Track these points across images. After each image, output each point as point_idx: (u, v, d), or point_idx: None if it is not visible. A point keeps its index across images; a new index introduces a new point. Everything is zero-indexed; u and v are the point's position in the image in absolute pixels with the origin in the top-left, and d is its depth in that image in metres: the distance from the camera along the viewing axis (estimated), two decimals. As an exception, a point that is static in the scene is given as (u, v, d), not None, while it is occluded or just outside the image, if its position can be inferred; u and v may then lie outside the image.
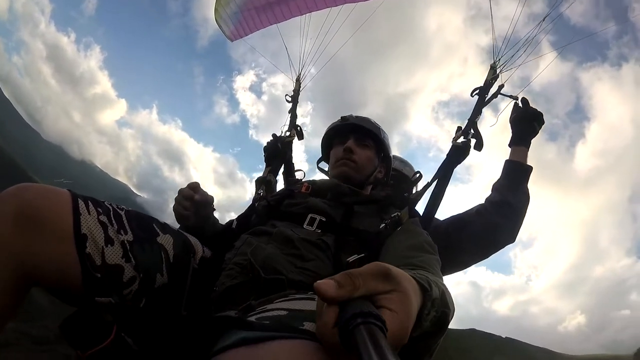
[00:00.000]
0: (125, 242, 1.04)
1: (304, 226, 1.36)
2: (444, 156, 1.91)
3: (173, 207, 1.51)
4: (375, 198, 1.61)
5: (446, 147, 1.95)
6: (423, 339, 0.78)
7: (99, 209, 1.04)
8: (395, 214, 1.40)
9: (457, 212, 2.04)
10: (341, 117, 1.91)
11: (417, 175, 2.06)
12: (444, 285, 0.89)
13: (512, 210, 1.87)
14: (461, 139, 1.86)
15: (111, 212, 1.07)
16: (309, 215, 1.40)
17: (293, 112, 2.45)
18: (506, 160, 2.00)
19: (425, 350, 0.86)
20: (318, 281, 0.57)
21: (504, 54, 2.10)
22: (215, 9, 2.76)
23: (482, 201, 1.96)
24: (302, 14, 2.56)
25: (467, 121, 1.96)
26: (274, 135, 2.22)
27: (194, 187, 1.48)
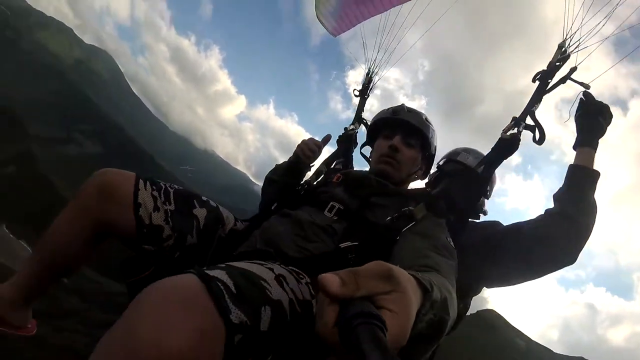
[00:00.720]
0: (168, 210, 1.39)
1: (325, 212, 1.48)
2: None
3: (297, 147, 1.91)
4: (397, 191, 1.62)
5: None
6: (417, 341, 0.78)
7: (154, 187, 1.40)
8: (407, 208, 1.41)
9: (521, 220, 1.87)
10: (392, 110, 1.92)
11: (483, 167, 1.79)
12: (448, 290, 0.89)
13: (572, 224, 1.62)
14: (512, 131, 1.69)
15: (162, 190, 1.42)
16: (330, 203, 1.50)
17: (359, 105, 2.51)
18: (569, 165, 1.75)
19: (417, 356, 0.87)
20: (323, 274, 0.57)
21: (577, 29, 1.79)
22: (316, 6, 2.82)
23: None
24: (402, 3, 2.44)
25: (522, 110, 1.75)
26: (345, 129, 2.33)
27: (319, 145, 1.91)
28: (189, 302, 0.69)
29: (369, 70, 2.58)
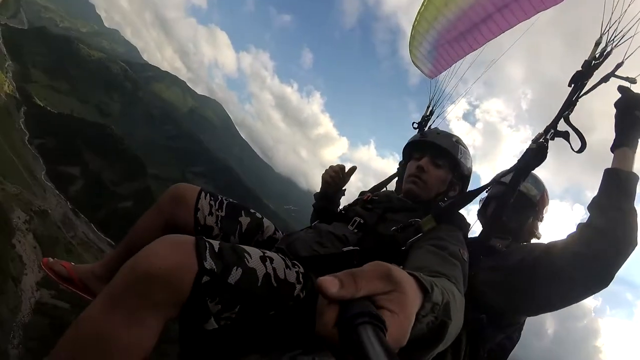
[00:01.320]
0: (219, 216, 1.74)
1: (349, 226, 1.70)
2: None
3: (323, 174, 2.09)
4: (412, 207, 1.75)
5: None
6: (417, 345, 0.79)
7: (212, 198, 1.76)
8: (413, 220, 1.52)
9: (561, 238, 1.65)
10: (421, 133, 2.02)
11: (539, 196, 1.77)
12: (453, 295, 0.90)
13: (600, 235, 1.41)
14: (540, 140, 1.60)
15: (218, 201, 1.77)
16: (354, 218, 1.72)
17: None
18: (604, 170, 1.56)
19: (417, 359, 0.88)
20: (322, 277, 0.58)
21: (617, 19, 1.61)
22: (410, 51, 2.91)
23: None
24: (495, 36, 2.46)
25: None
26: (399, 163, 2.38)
27: (342, 167, 2.03)
28: (179, 245, 1.05)
29: (430, 102, 2.57)
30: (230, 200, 1.84)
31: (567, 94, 1.65)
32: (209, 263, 1.05)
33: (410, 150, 2.02)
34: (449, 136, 1.91)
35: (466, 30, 2.54)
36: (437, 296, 0.77)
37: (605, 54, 1.65)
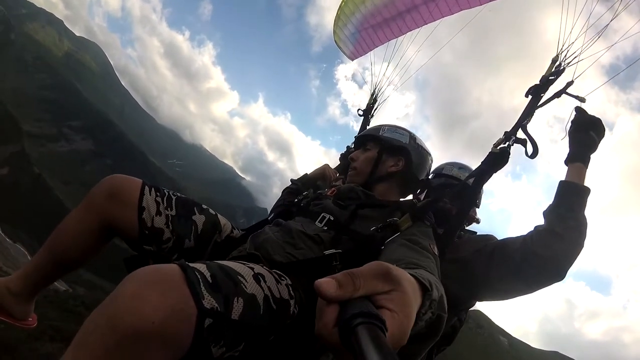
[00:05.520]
0: (169, 215, 1.51)
1: (316, 223, 1.57)
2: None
3: (327, 168, 2.22)
4: (382, 203, 1.68)
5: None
6: (416, 340, 0.79)
7: (158, 193, 1.52)
8: (391, 219, 1.48)
9: (513, 235, 1.85)
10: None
11: (472, 179, 1.85)
12: (442, 289, 0.91)
13: (559, 241, 1.61)
14: (502, 146, 1.68)
15: (165, 196, 1.54)
16: (322, 214, 1.59)
17: (362, 125, 2.61)
18: (560, 182, 1.72)
19: (414, 355, 0.90)
20: (319, 279, 0.57)
21: (573, 41, 1.75)
22: (334, 31, 2.93)
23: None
24: (418, 27, 2.53)
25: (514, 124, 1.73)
26: (347, 147, 2.46)
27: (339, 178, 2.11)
28: (166, 283, 0.81)
29: (373, 90, 2.63)
30: (179, 194, 1.63)
31: (525, 105, 1.77)
32: (208, 301, 0.84)
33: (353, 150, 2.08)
34: (372, 127, 1.98)
35: (391, 18, 2.61)
36: (435, 293, 0.78)
37: (559, 71, 1.76)
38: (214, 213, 1.69)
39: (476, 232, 2.20)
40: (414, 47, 2.60)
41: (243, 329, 0.91)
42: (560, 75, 1.76)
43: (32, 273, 1.47)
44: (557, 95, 1.77)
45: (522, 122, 1.73)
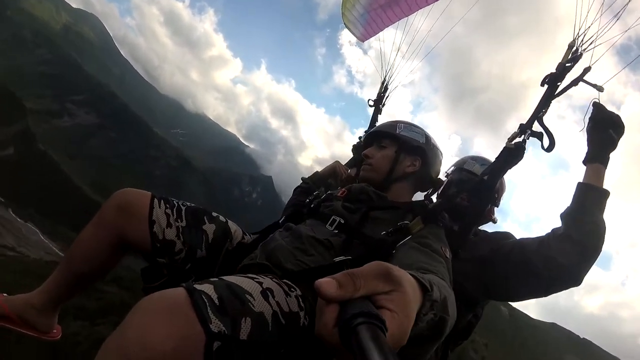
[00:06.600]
0: (180, 227, 1.51)
1: (326, 226, 1.53)
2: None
3: (337, 165, 2.24)
4: (394, 205, 1.63)
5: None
6: (418, 342, 0.79)
7: (167, 205, 1.52)
8: (402, 222, 1.43)
9: (531, 236, 1.80)
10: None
11: (487, 176, 1.73)
12: (447, 291, 0.91)
13: (575, 246, 1.56)
14: (517, 140, 1.62)
15: (175, 207, 1.54)
16: (332, 217, 1.55)
17: (374, 115, 2.53)
18: (578, 183, 1.65)
19: (418, 357, 0.89)
20: (319, 280, 0.58)
21: (589, 25, 1.66)
22: (343, 13, 2.85)
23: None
24: (429, 4, 2.43)
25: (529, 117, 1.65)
26: (359, 138, 2.41)
27: (349, 176, 2.15)
28: (173, 311, 0.82)
29: (384, 79, 2.55)
30: (188, 204, 1.61)
31: (541, 95, 1.69)
32: (216, 325, 0.84)
33: (365, 145, 1.99)
34: (389, 122, 1.91)
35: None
36: (436, 294, 0.78)
37: (576, 57, 1.67)
38: (224, 220, 1.67)
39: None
40: (426, 26, 2.51)
41: (252, 347, 0.92)
42: (577, 61, 1.65)
43: (53, 289, 1.51)
44: (575, 83, 1.66)
45: (539, 113, 1.64)
